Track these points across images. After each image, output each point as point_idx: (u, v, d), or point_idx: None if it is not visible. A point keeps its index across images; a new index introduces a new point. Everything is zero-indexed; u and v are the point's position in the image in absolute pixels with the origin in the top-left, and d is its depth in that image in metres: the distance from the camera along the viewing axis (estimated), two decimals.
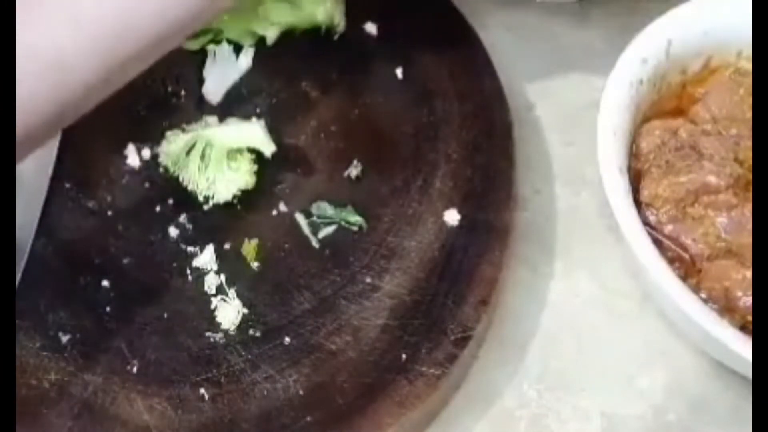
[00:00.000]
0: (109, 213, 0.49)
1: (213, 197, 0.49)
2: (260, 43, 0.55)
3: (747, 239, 0.47)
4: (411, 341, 0.45)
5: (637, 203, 0.48)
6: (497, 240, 0.48)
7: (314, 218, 0.49)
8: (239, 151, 0.49)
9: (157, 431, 0.43)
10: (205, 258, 0.48)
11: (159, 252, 0.48)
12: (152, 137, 0.52)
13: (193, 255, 0.48)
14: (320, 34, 0.55)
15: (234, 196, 0.49)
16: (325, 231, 0.49)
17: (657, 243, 0.46)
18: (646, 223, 0.47)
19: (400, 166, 0.51)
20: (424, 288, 0.47)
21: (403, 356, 0.44)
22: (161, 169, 0.51)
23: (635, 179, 0.49)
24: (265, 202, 0.50)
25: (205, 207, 0.50)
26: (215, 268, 0.48)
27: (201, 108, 0.53)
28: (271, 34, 0.54)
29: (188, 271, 0.48)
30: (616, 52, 0.50)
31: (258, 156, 0.50)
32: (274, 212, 0.50)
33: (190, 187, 0.49)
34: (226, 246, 0.48)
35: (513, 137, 0.52)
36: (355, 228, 0.49)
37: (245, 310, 0.46)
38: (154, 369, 0.44)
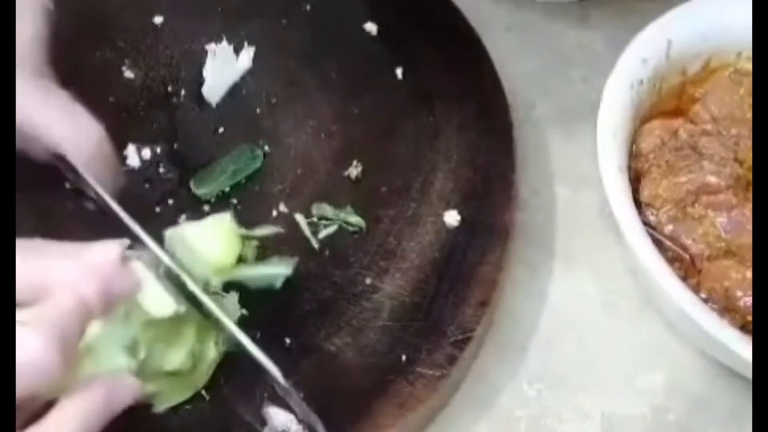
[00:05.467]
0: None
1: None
2: (260, 43, 0.55)
3: (747, 239, 0.47)
4: (411, 342, 0.45)
5: (637, 203, 0.48)
6: (497, 240, 0.48)
7: (314, 218, 0.49)
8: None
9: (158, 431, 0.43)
10: None
11: None
12: (152, 137, 0.52)
13: None
14: (320, 34, 0.55)
15: (234, 197, 0.50)
16: (325, 231, 0.49)
17: (657, 243, 0.46)
18: (646, 223, 0.47)
19: (400, 166, 0.51)
20: (424, 289, 0.47)
21: (403, 357, 0.44)
22: (161, 170, 0.51)
23: (635, 179, 0.50)
24: (265, 202, 0.50)
25: (205, 208, 0.50)
26: None
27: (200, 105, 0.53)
28: None
29: None
30: (616, 52, 0.50)
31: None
32: (274, 212, 0.50)
33: None
34: None
35: (513, 137, 0.52)
36: (355, 229, 0.49)
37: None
38: None
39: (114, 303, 0.36)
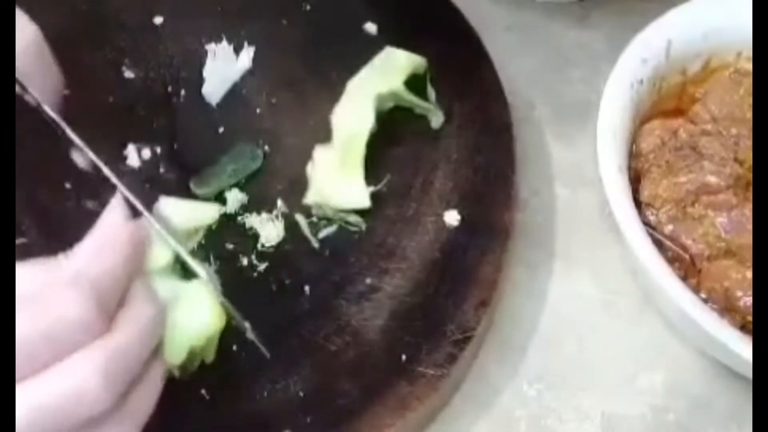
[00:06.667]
0: None
1: None
2: (260, 43, 0.55)
3: (747, 239, 0.47)
4: (411, 342, 0.45)
5: (637, 203, 0.48)
6: (497, 240, 0.48)
7: (314, 218, 0.49)
8: None
9: (159, 431, 0.43)
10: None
11: None
12: (152, 137, 0.52)
13: None
14: (319, 35, 0.55)
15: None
16: (325, 231, 0.49)
17: (657, 243, 0.46)
18: (646, 223, 0.47)
19: (400, 166, 0.51)
20: (424, 289, 0.47)
21: (403, 357, 0.44)
22: (161, 170, 0.51)
23: (635, 179, 0.50)
24: (265, 203, 0.50)
25: None
26: (215, 268, 0.48)
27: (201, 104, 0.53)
28: None
29: None
30: (616, 52, 0.50)
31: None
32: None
33: None
34: (227, 246, 0.48)
35: (513, 137, 0.52)
36: (355, 228, 0.49)
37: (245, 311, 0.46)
38: None
39: (144, 254, 0.36)
